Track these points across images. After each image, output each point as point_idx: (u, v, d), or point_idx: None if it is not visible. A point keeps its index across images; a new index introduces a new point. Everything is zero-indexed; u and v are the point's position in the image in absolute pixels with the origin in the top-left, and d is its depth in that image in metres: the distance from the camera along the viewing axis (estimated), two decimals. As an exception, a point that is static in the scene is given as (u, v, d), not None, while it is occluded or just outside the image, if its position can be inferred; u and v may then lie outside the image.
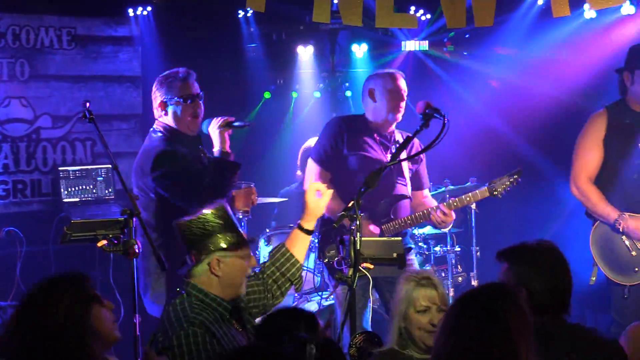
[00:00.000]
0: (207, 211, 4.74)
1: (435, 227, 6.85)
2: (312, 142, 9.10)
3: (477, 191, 6.78)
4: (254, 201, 6.49)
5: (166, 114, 6.23)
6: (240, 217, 6.50)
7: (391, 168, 6.59)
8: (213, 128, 6.16)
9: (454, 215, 6.63)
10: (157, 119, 6.28)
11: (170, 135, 6.21)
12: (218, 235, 4.70)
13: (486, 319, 3.27)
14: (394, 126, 6.88)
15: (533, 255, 4.24)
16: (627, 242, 6.64)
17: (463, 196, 6.73)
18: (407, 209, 6.88)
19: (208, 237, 4.69)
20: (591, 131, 6.85)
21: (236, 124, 6.19)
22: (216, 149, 6.14)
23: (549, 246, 4.29)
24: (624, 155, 6.72)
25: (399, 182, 6.80)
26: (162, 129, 6.23)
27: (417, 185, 7.01)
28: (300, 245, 5.30)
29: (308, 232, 5.30)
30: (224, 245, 4.70)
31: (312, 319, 4.02)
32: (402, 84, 6.89)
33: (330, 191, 5.37)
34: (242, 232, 4.83)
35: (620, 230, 6.60)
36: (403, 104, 6.84)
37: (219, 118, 6.17)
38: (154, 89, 6.29)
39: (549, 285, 4.10)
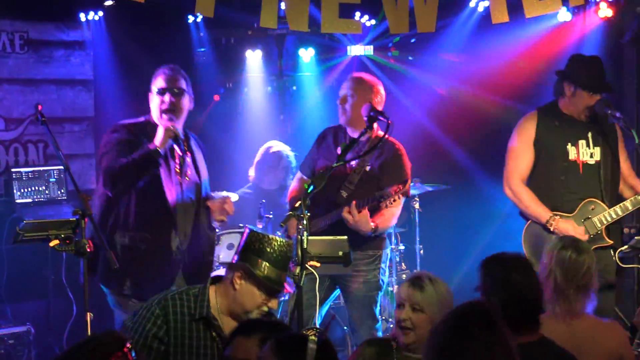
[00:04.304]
0: (277, 238, 4.84)
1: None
2: (269, 144, 9.25)
3: (370, 197, 6.50)
4: (230, 211, 6.49)
5: None
6: (215, 225, 6.62)
7: (336, 174, 6.68)
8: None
9: (359, 215, 6.42)
10: None
11: None
12: (263, 261, 4.76)
13: (490, 336, 3.15)
14: (357, 130, 6.71)
15: (496, 267, 4.37)
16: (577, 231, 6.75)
17: (364, 199, 6.51)
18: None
19: (253, 253, 4.77)
20: (522, 133, 6.97)
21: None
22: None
23: (518, 261, 4.42)
24: (553, 157, 6.86)
25: (342, 189, 6.74)
26: None
27: (380, 186, 6.73)
28: None
29: None
30: (257, 272, 4.75)
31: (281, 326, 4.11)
32: (344, 86, 6.94)
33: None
34: (285, 278, 4.87)
35: (552, 230, 6.73)
36: (341, 107, 6.88)
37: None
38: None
39: (503, 300, 4.20)
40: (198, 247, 6.49)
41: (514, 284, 4.29)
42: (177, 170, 6.39)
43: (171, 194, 6.31)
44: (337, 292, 6.99)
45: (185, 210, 6.42)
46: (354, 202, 6.46)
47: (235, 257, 4.87)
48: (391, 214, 6.70)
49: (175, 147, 6.34)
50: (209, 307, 4.81)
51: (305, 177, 7.02)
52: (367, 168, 6.74)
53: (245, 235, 4.88)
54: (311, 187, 5.17)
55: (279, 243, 4.83)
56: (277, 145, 9.11)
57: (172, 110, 6.32)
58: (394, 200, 6.44)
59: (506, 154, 7.07)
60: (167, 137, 6.21)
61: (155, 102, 6.40)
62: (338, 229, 6.42)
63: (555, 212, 6.82)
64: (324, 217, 6.65)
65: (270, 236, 4.85)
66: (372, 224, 6.50)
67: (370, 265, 6.74)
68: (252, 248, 4.80)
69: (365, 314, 6.81)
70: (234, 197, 8.22)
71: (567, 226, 6.74)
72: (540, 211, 6.83)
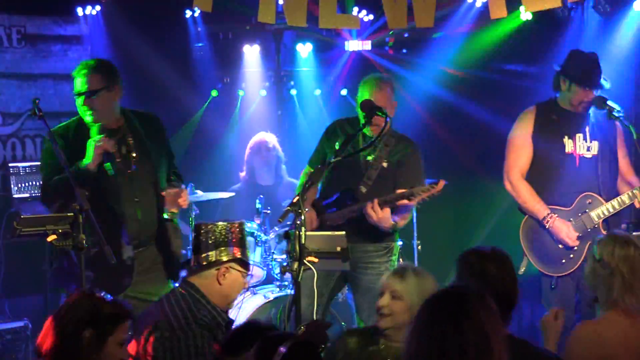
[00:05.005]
0: (230, 223, 4.95)
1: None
2: (260, 136, 9.27)
3: (398, 192, 6.56)
4: (182, 203, 6.31)
5: None
6: (166, 216, 6.48)
7: (353, 169, 6.75)
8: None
9: (383, 213, 6.47)
10: None
11: None
12: (236, 247, 4.89)
13: (460, 318, 3.19)
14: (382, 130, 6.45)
15: (473, 259, 4.34)
16: (569, 235, 6.81)
17: (389, 196, 6.56)
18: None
19: (227, 245, 4.87)
20: (520, 127, 7.02)
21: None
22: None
23: (495, 255, 4.36)
24: (551, 150, 6.89)
25: (361, 184, 6.78)
26: None
27: (402, 184, 6.79)
28: None
29: None
30: (240, 257, 4.91)
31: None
32: (375, 94, 6.64)
33: None
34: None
35: (547, 228, 6.80)
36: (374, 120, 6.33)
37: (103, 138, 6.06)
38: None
39: (491, 290, 4.07)
40: (165, 242, 6.41)
41: (488, 275, 4.26)
42: (119, 163, 6.19)
43: (116, 196, 6.16)
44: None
45: (137, 207, 6.27)
46: (376, 200, 6.49)
47: (198, 258, 4.91)
48: (410, 210, 6.83)
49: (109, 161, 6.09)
50: (224, 312, 4.90)
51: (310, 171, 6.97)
52: (385, 164, 6.80)
53: (204, 232, 4.93)
54: (309, 183, 5.17)
55: (238, 226, 4.96)
56: (258, 135, 9.20)
57: (90, 111, 6.16)
58: (423, 200, 6.50)
59: (506, 148, 7.09)
60: (98, 157, 6.01)
61: (77, 105, 6.28)
62: (357, 223, 6.56)
63: (552, 207, 6.84)
64: (345, 212, 6.71)
65: (215, 223, 4.94)
66: (392, 220, 6.56)
67: (383, 258, 6.84)
68: (224, 241, 4.87)
69: (375, 306, 6.82)
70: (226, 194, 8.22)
71: (562, 227, 6.79)
72: (539, 207, 6.86)
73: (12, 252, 8.39)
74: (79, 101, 6.20)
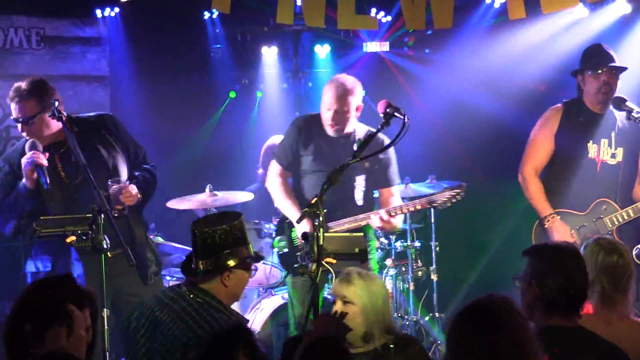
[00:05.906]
0: (229, 225, 4.82)
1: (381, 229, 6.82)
2: (275, 139, 9.29)
3: (416, 201, 6.61)
4: (126, 201, 6.13)
5: None
6: (116, 215, 6.30)
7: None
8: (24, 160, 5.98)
9: (394, 222, 6.57)
10: None
11: None
12: (235, 248, 4.80)
13: (494, 330, 3.24)
14: (348, 128, 6.74)
15: (550, 252, 4.32)
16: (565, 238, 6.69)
17: (402, 204, 6.61)
18: (354, 209, 6.77)
19: (227, 248, 4.79)
20: (545, 124, 6.99)
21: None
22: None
23: (569, 248, 4.36)
24: (574, 152, 6.87)
25: (350, 184, 6.78)
26: None
27: (381, 182, 6.93)
28: None
29: None
30: (241, 259, 4.82)
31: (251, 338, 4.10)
32: (334, 94, 6.66)
33: None
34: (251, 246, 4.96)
35: (546, 227, 6.78)
36: (334, 116, 6.66)
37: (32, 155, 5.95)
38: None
39: (558, 283, 4.16)
40: (137, 251, 6.20)
41: (567, 269, 4.23)
42: (63, 177, 6.13)
43: (72, 204, 6.02)
44: None
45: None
46: (384, 210, 6.53)
47: (201, 262, 4.82)
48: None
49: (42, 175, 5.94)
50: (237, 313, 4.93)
51: (281, 168, 6.94)
52: (367, 164, 6.76)
53: (202, 238, 4.80)
54: (327, 185, 5.15)
55: (236, 225, 4.83)
56: (272, 139, 9.19)
57: (30, 136, 6.10)
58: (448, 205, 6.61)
59: (527, 142, 7.08)
60: (31, 175, 5.94)
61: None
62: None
63: (567, 211, 6.82)
64: (349, 221, 6.69)
65: (215, 227, 4.79)
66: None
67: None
68: (223, 245, 4.79)
69: None
70: (245, 195, 8.17)
71: (560, 229, 6.78)
72: (543, 205, 6.88)
73: (33, 252, 8.41)
74: (18, 127, 6.14)
